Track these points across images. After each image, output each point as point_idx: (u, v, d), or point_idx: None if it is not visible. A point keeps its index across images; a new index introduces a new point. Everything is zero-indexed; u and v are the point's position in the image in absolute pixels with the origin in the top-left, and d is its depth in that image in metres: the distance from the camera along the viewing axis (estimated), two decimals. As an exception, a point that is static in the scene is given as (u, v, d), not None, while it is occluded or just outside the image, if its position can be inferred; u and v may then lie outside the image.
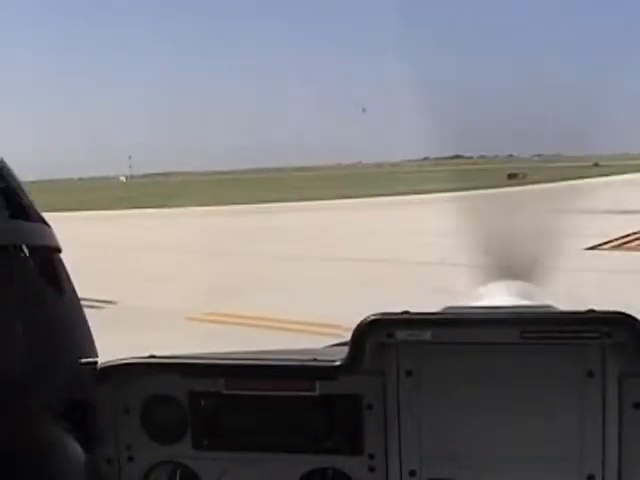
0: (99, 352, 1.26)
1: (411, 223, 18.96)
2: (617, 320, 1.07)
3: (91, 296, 7.02)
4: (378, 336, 1.16)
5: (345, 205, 29.33)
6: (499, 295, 1.75)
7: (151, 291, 10.55)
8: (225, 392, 1.24)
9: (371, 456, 1.21)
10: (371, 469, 1.21)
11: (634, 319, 1.07)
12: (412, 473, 1.19)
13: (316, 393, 1.21)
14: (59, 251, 1.01)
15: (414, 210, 23.77)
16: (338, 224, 20.79)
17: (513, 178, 47.51)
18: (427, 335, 1.14)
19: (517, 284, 1.80)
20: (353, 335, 1.17)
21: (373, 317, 1.16)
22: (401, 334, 1.15)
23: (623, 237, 15.09)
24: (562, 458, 1.13)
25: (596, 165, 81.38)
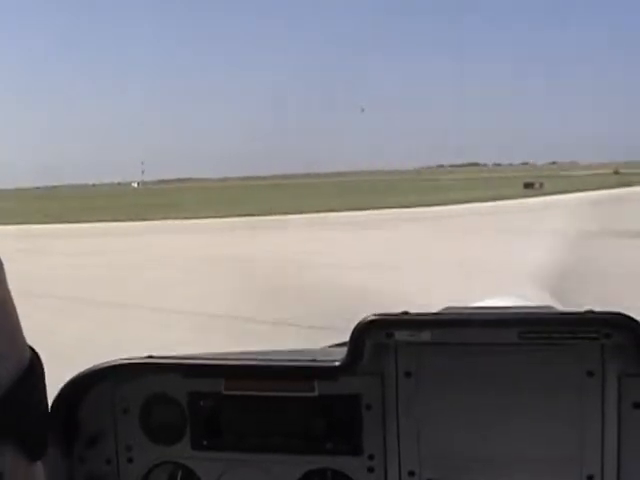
0: None
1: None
2: (616, 320, 1.07)
3: None
4: (377, 336, 1.15)
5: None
6: (499, 296, 1.74)
7: None
8: (224, 392, 1.23)
9: (370, 457, 1.20)
10: (370, 470, 1.20)
11: (633, 320, 1.06)
12: (411, 474, 1.18)
13: (315, 393, 1.20)
14: None
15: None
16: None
17: (530, 187, 47.11)
18: (426, 336, 1.13)
19: None
20: (352, 335, 1.15)
21: (372, 317, 1.14)
22: (400, 334, 1.14)
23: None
24: (561, 458, 1.12)
25: (617, 173, 79.76)
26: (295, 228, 21.70)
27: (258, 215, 28.14)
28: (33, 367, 0.64)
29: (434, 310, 1.23)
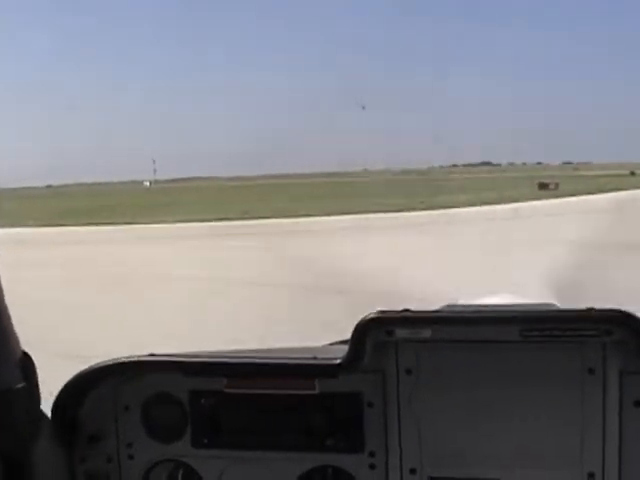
0: None
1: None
2: (617, 318, 1.06)
3: None
4: (378, 334, 1.15)
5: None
6: (499, 293, 1.73)
7: None
8: (225, 390, 1.23)
9: (371, 454, 1.19)
10: (371, 467, 1.19)
11: (634, 317, 1.06)
12: (412, 471, 1.18)
13: (316, 391, 1.20)
14: None
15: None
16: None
17: (544, 188, 46.48)
18: (427, 333, 1.13)
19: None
20: (353, 333, 1.15)
21: (373, 315, 1.14)
22: (401, 332, 1.14)
23: None
24: (563, 456, 1.12)
25: (633, 174, 78.26)
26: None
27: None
28: (26, 370, 0.64)
29: (435, 307, 1.22)
